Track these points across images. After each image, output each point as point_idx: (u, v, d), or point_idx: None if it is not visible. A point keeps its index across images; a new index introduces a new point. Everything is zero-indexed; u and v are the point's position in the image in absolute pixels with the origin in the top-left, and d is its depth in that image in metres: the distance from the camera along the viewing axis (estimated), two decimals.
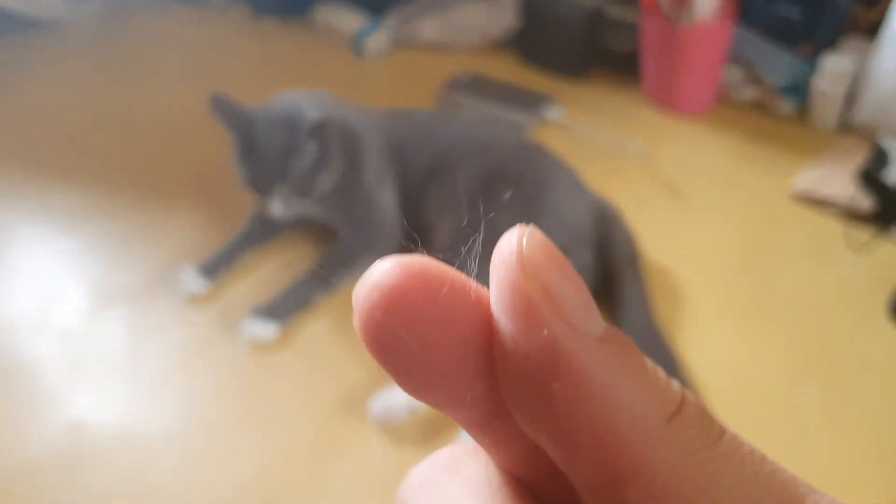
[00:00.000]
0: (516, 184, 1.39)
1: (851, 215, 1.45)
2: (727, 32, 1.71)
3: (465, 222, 1.34)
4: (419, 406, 1.17)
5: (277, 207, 1.35)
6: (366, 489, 1.10)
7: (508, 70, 1.97)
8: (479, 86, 1.88)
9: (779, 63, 1.73)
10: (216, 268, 1.42)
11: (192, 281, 1.39)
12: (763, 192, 1.58)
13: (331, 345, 1.31)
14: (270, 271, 1.45)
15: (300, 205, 1.37)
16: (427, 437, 1.16)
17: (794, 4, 1.68)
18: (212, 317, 1.36)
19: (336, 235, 1.44)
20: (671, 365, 1.20)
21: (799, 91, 1.73)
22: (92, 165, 1.73)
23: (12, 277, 1.46)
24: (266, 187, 1.34)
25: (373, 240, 1.42)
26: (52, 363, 1.30)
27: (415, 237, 1.46)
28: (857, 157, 1.57)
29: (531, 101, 1.82)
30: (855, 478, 1.09)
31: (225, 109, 1.33)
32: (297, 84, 1.94)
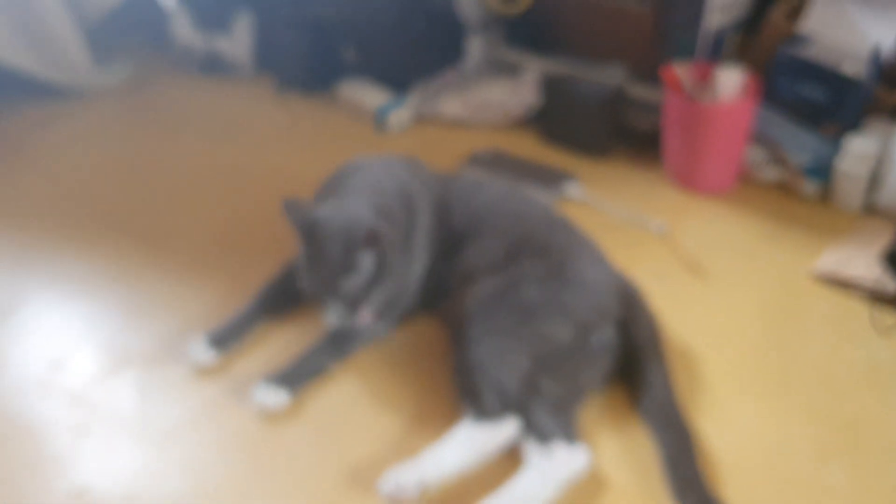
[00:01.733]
0: (543, 252, 1.38)
1: (876, 297, 1.42)
2: (750, 112, 1.71)
3: (490, 289, 1.33)
4: (430, 484, 1.14)
5: (331, 320, 1.30)
6: None
7: (529, 147, 1.98)
8: (499, 161, 1.89)
9: (802, 143, 1.72)
10: (226, 339, 1.39)
11: (202, 352, 1.36)
12: (785, 271, 1.55)
13: (342, 417, 1.28)
14: (284, 338, 1.43)
15: (354, 316, 1.31)
16: None
17: (817, 85, 1.68)
18: (223, 384, 1.34)
19: None
20: (688, 446, 1.17)
21: (822, 172, 1.72)
22: (108, 231, 1.74)
23: (23, 339, 1.46)
24: (321, 298, 1.30)
25: (391, 311, 1.40)
26: (59, 426, 1.28)
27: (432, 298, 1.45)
28: (882, 239, 1.54)
29: (552, 178, 1.82)
30: None
31: (293, 213, 1.30)
32: (320, 152, 1.97)
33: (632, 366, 1.30)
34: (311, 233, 1.28)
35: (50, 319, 1.50)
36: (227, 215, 1.77)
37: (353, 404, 1.30)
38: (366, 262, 1.28)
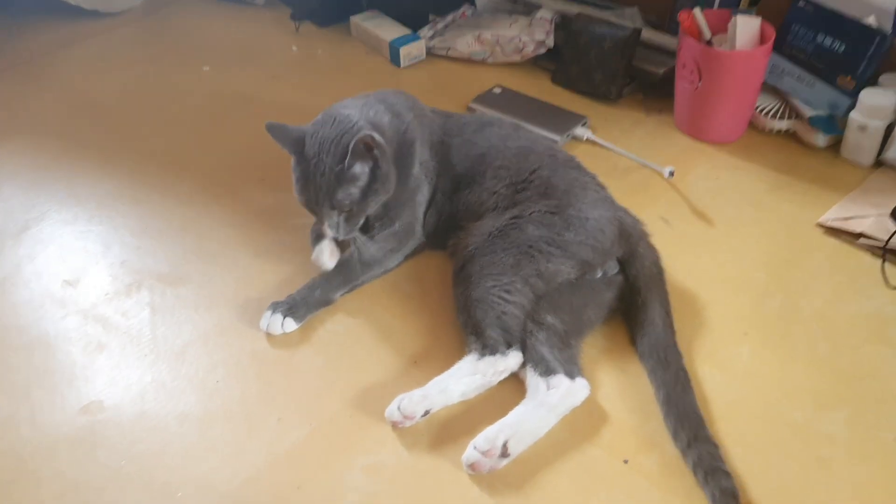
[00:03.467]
0: (547, 190, 1.39)
1: (885, 250, 1.43)
2: (765, 61, 1.70)
3: (493, 226, 1.34)
4: (434, 410, 1.17)
5: (330, 232, 1.34)
6: (376, 488, 1.09)
7: (540, 87, 1.97)
8: (510, 100, 1.89)
9: (816, 95, 1.72)
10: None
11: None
12: (793, 221, 1.56)
13: (350, 346, 1.31)
14: (295, 264, 1.45)
15: (353, 228, 1.35)
16: (441, 441, 1.15)
17: (837, 36, 1.67)
18: (233, 308, 1.37)
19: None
20: (684, 386, 1.19)
21: (834, 125, 1.72)
22: (125, 153, 1.75)
23: (38, 256, 1.48)
24: (318, 212, 1.33)
25: (400, 242, 1.41)
26: (73, 343, 1.31)
27: (439, 234, 1.47)
28: (893, 193, 1.55)
29: (562, 118, 1.82)
30: None
31: (278, 134, 1.32)
32: (333, 83, 1.97)
33: (632, 304, 1.32)
34: (300, 148, 1.31)
35: (65, 237, 1.53)
36: (240, 142, 1.78)
37: (360, 335, 1.33)
38: (359, 170, 1.30)
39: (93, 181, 1.66)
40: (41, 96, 1.97)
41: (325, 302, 1.36)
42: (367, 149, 1.29)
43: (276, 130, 1.32)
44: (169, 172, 1.69)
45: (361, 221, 1.36)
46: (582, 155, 1.66)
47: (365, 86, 1.96)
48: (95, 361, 1.27)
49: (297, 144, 1.31)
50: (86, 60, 2.11)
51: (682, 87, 1.78)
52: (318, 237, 1.43)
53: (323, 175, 1.29)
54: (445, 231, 1.46)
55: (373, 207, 1.35)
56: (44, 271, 1.44)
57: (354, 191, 1.31)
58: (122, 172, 1.69)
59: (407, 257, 1.45)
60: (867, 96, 1.63)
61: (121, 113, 1.89)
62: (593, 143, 1.77)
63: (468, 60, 2.07)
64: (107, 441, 1.15)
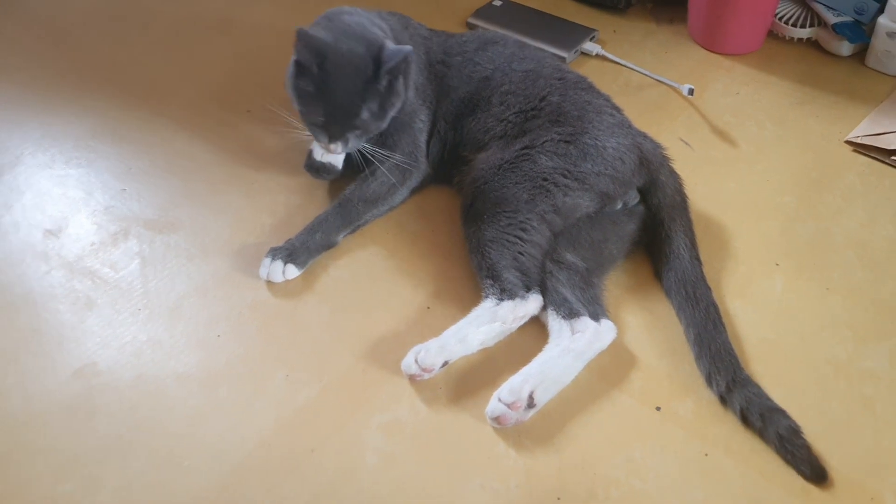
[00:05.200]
0: (558, 116, 1.28)
1: None
2: None
3: (502, 157, 1.25)
4: (453, 361, 1.10)
5: (339, 148, 1.25)
6: (396, 448, 1.03)
7: None
8: (512, 13, 1.76)
9: None
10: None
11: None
12: (819, 138, 1.47)
13: (358, 292, 1.23)
14: (292, 205, 1.35)
15: (360, 142, 1.27)
16: (461, 394, 1.08)
17: None
18: (229, 255, 1.27)
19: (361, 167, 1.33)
20: (715, 323, 1.12)
21: (860, 31, 1.60)
22: (101, 86, 1.62)
23: (15, 204, 1.37)
24: (333, 127, 1.23)
25: (403, 175, 1.32)
26: (60, 300, 1.21)
27: (444, 167, 1.37)
28: None
29: (569, 33, 1.69)
30: None
31: (306, 41, 1.20)
32: (315, 2, 1.82)
33: (656, 236, 1.24)
34: (321, 60, 1.20)
35: (42, 183, 1.41)
36: (222, 71, 1.65)
37: (367, 280, 1.24)
38: (384, 85, 1.23)
39: (67, 118, 1.54)
40: (3, 29, 1.80)
41: (327, 245, 1.27)
42: (398, 65, 1.22)
43: (305, 38, 1.19)
44: (149, 106, 1.56)
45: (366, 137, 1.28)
46: (592, 72, 1.56)
47: (352, 4, 1.83)
48: (85, 320, 1.18)
49: (318, 56, 1.20)
50: None
51: None
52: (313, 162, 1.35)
53: (347, 90, 1.21)
54: (451, 163, 1.36)
55: (386, 123, 1.27)
56: (22, 221, 1.34)
57: (374, 107, 1.23)
58: (98, 108, 1.56)
59: (412, 192, 1.35)
60: None
61: (90, 42, 1.75)
62: (603, 58, 1.66)
63: None
64: (104, 408, 1.07)
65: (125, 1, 1.88)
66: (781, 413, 1.02)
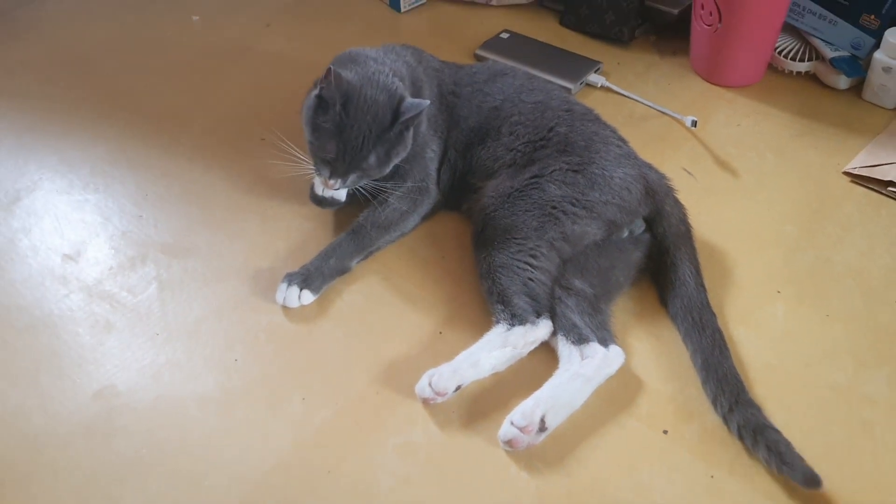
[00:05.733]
0: (566, 146, 1.32)
1: None
2: None
3: (511, 185, 1.28)
4: (466, 385, 1.12)
5: (337, 184, 1.29)
6: (410, 470, 1.05)
7: (549, 30, 1.89)
8: (519, 46, 1.80)
9: (838, 34, 1.65)
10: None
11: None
12: (818, 169, 1.51)
13: (371, 317, 1.26)
14: (306, 231, 1.39)
15: (358, 183, 1.31)
16: (474, 417, 1.11)
17: None
18: (245, 280, 1.30)
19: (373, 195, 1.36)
20: (721, 349, 1.15)
21: (857, 66, 1.65)
22: (115, 111, 1.66)
23: (33, 229, 1.40)
24: (339, 166, 1.27)
25: (414, 202, 1.35)
26: (79, 323, 1.24)
27: (454, 195, 1.41)
28: None
29: (574, 65, 1.74)
30: None
31: (338, 81, 1.24)
32: (330, 31, 1.87)
33: (661, 263, 1.28)
34: (345, 101, 1.24)
35: (60, 208, 1.44)
36: (237, 98, 1.69)
37: (381, 305, 1.27)
38: (395, 134, 1.27)
39: (84, 145, 1.57)
40: (20, 53, 1.84)
41: (341, 270, 1.30)
42: (413, 118, 1.27)
43: (337, 78, 1.24)
44: (165, 133, 1.60)
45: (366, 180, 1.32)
46: (597, 103, 1.60)
47: (364, 32, 1.88)
48: (104, 342, 1.21)
49: (343, 97, 1.24)
50: (65, 12, 1.98)
51: (699, 27, 1.70)
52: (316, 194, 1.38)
53: (362, 134, 1.25)
54: (461, 190, 1.40)
55: (387, 170, 1.31)
56: (41, 246, 1.37)
57: (381, 153, 1.27)
58: (115, 134, 1.60)
59: (423, 219, 1.39)
60: (892, 35, 1.57)
61: (107, 68, 1.79)
62: (608, 89, 1.70)
63: (471, 3, 1.98)
64: (124, 428, 1.10)
65: (142, 30, 1.93)
66: (773, 430, 1.04)
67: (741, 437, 1.06)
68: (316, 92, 1.28)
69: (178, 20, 1.96)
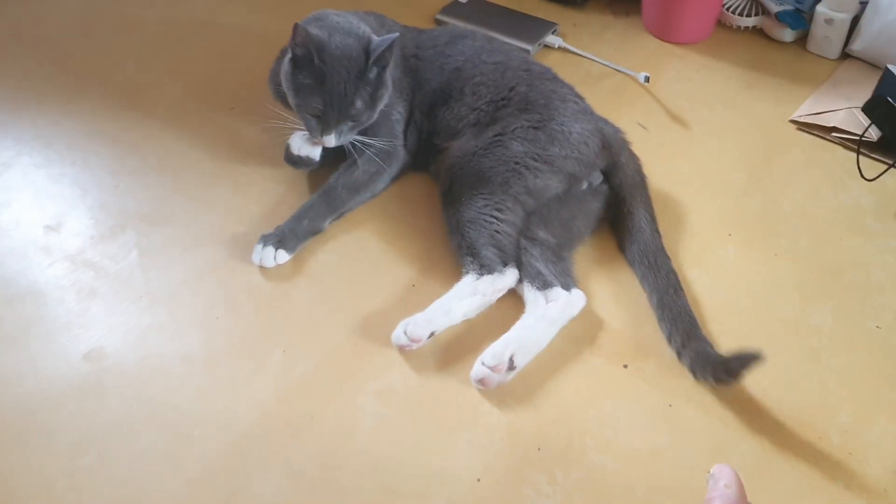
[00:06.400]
0: (526, 105, 1.38)
1: (856, 142, 1.46)
2: None
3: (476, 144, 1.34)
4: (439, 332, 1.19)
5: (332, 140, 1.34)
6: (390, 412, 1.12)
7: None
8: (478, 9, 1.85)
9: None
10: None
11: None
12: (766, 119, 1.59)
13: (346, 274, 1.31)
14: (277, 194, 1.44)
15: (351, 134, 1.36)
16: (447, 361, 1.18)
17: None
18: (222, 244, 1.35)
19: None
20: (675, 289, 1.22)
21: (801, 19, 1.72)
22: (88, 88, 1.68)
23: (13, 203, 1.44)
24: (330, 119, 1.32)
25: (383, 163, 1.40)
26: (64, 290, 1.29)
27: (420, 156, 1.46)
28: (860, 87, 1.58)
29: (532, 27, 1.79)
30: (868, 398, 1.13)
31: (305, 37, 1.28)
32: (291, 2, 1.90)
33: (619, 212, 1.35)
34: (320, 55, 1.29)
35: (39, 182, 1.48)
36: (203, 71, 1.73)
37: (354, 262, 1.33)
38: (374, 76, 1.32)
39: (58, 121, 1.60)
40: None
41: (315, 231, 1.35)
42: (385, 54, 1.31)
43: (303, 33, 1.28)
44: (136, 106, 1.63)
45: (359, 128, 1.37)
46: (555, 63, 1.66)
47: (325, 2, 1.90)
48: (90, 308, 1.26)
49: (317, 50, 1.29)
50: None
51: None
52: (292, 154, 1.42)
53: (343, 80, 1.29)
54: (427, 151, 1.45)
55: (375, 114, 1.36)
56: (22, 219, 1.41)
57: (366, 96, 1.32)
58: (88, 110, 1.62)
59: (393, 180, 1.44)
60: None
61: (74, 47, 1.81)
62: (565, 50, 1.76)
63: None
64: (114, 387, 1.15)
65: (108, 6, 1.94)
66: (717, 354, 1.13)
67: (692, 371, 1.14)
68: (289, 55, 1.32)
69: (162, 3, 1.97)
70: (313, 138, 1.36)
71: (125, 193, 1.45)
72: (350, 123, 1.34)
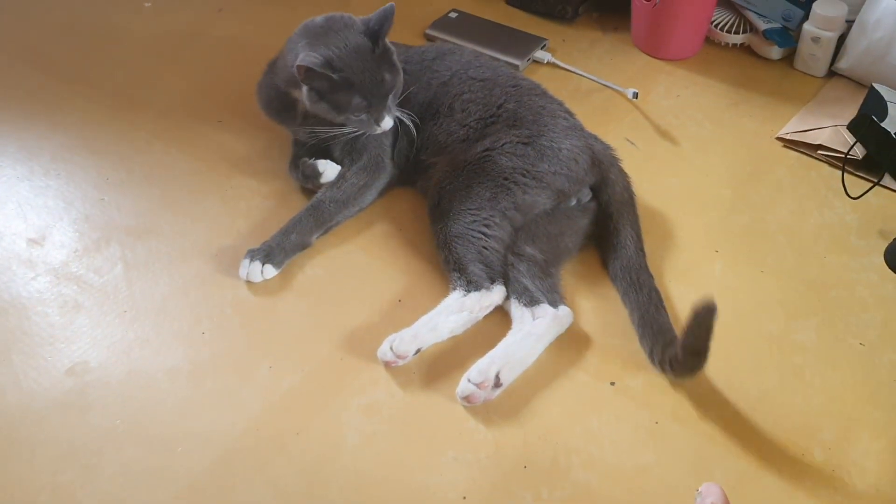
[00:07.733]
0: (515, 121, 1.38)
1: (842, 160, 1.47)
2: None
3: (464, 159, 1.34)
4: (425, 348, 1.19)
5: (388, 121, 1.37)
6: (375, 428, 1.11)
7: (496, 9, 1.94)
8: (468, 25, 1.86)
9: (770, 7, 1.73)
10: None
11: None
12: (753, 136, 1.60)
13: (333, 289, 1.31)
14: (266, 209, 1.43)
15: (394, 106, 1.39)
16: (433, 377, 1.17)
17: None
18: (208, 258, 1.35)
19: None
20: (657, 306, 1.22)
21: (789, 37, 1.74)
22: (73, 98, 1.68)
23: None
24: (377, 105, 1.34)
25: (370, 177, 1.41)
26: (48, 304, 1.28)
27: (408, 171, 1.46)
28: (846, 105, 1.59)
29: (521, 42, 1.80)
30: (851, 415, 1.13)
31: (316, 71, 1.29)
32: (281, 16, 1.90)
33: (605, 229, 1.35)
34: (333, 68, 1.30)
35: (22, 194, 1.47)
36: (192, 83, 1.73)
37: (341, 277, 1.33)
38: (387, 49, 1.37)
39: (43, 133, 1.59)
40: None
41: (302, 245, 1.35)
42: (384, 24, 1.35)
43: (308, 70, 1.29)
44: (122, 118, 1.63)
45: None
46: (544, 78, 1.66)
47: (310, 15, 1.90)
48: (74, 321, 1.25)
49: (329, 67, 1.30)
50: (13, 2, 1.98)
51: (638, 3, 1.78)
52: (297, 167, 1.44)
53: (364, 68, 1.32)
54: (415, 167, 1.45)
55: (402, 74, 1.39)
56: (5, 231, 1.40)
57: (387, 66, 1.35)
58: (74, 122, 1.62)
59: (380, 194, 1.44)
60: (820, 7, 1.66)
61: (61, 57, 1.80)
62: (554, 65, 1.77)
63: None
64: (98, 402, 1.14)
65: (93, 17, 1.94)
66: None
67: (671, 369, 1.13)
68: (306, 89, 1.33)
69: (130, 6, 1.97)
70: (370, 131, 1.38)
71: (110, 206, 1.44)
72: (390, 98, 1.36)
